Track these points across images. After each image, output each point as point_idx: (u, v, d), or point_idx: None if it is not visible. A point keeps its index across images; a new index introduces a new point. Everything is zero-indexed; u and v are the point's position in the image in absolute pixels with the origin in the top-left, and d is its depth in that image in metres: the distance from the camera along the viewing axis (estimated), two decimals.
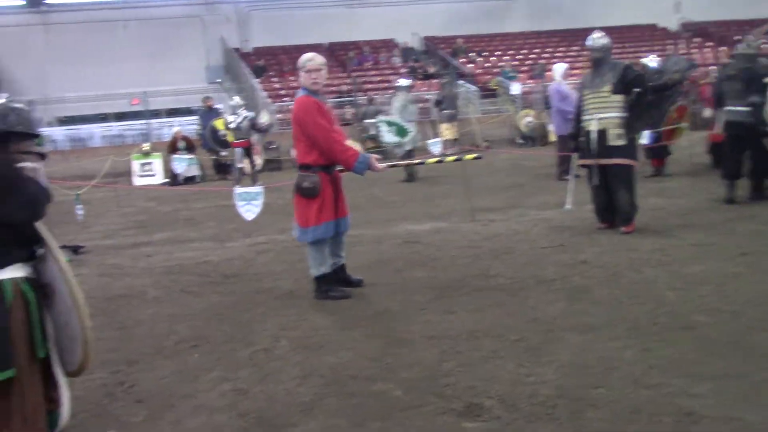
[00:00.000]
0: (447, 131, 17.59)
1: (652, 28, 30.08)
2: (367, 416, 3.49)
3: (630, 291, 5.23)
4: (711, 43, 27.74)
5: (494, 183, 12.01)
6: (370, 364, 4.16)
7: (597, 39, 7.43)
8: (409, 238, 7.85)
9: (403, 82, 13.75)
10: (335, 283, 5.76)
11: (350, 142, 5.80)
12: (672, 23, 29.91)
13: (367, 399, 3.70)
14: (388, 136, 12.30)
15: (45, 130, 23.51)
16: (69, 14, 27.36)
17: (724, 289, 5.10)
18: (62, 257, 2.44)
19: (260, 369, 4.23)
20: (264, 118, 15.17)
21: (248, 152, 14.35)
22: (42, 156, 2.52)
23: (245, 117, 14.27)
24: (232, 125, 14.51)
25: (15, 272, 2.36)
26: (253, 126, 14.51)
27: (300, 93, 5.66)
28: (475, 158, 6.60)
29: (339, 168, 5.67)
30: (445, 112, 17.94)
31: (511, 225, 8.12)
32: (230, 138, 15.82)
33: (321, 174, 5.52)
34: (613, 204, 7.33)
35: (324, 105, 5.61)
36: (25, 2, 27.72)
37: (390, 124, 12.23)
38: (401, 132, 12.19)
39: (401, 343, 4.48)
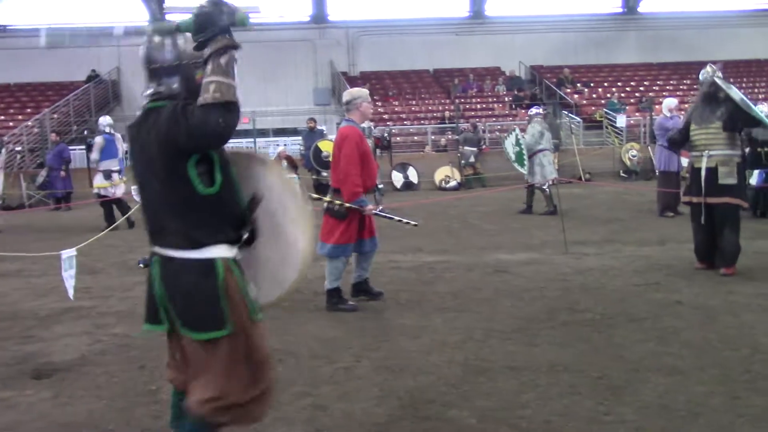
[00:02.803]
0: None
1: None
2: None
3: (724, 335, 5.03)
4: None
5: (593, 216, 11.76)
6: (448, 390, 4.18)
7: (710, 73, 7.16)
8: (500, 267, 7.81)
9: (535, 110, 13.27)
10: (358, 293, 6.42)
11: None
12: None
13: (440, 424, 3.72)
14: (510, 149, 12.57)
15: None
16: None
17: None
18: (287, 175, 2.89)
19: (340, 387, 4.32)
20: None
21: None
22: None
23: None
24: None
25: (224, 252, 2.68)
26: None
27: (345, 124, 6.26)
28: (413, 225, 7.32)
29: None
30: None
31: (606, 260, 7.95)
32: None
33: None
34: (714, 244, 7.06)
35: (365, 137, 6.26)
36: None
37: (518, 144, 12.35)
38: (519, 159, 12.32)
39: (481, 372, 4.47)
